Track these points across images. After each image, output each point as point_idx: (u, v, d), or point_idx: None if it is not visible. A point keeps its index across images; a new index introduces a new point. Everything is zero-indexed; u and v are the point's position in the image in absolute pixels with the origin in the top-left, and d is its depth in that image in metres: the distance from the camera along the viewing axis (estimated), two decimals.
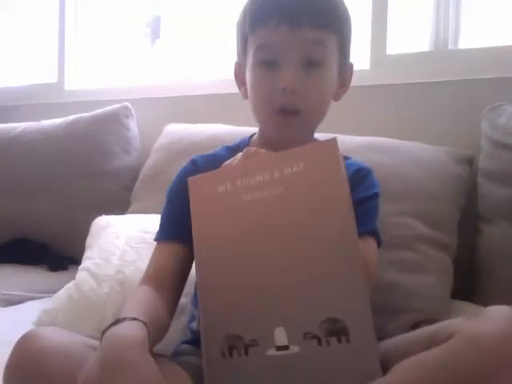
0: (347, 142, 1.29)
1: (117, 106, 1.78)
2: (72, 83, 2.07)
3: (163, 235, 0.91)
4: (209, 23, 1.89)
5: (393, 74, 1.46)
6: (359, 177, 0.91)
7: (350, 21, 0.93)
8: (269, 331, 0.70)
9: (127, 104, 1.78)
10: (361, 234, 0.70)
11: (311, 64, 0.87)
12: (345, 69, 0.95)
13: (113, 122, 1.75)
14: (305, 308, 0.70)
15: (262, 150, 0.79)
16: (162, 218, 0.94)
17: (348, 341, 0.65)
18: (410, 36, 1.54)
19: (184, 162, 0.98)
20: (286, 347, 0.69)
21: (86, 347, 0.68)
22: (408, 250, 1.13)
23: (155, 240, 0.92)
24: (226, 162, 0.81)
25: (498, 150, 1.22)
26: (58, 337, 0.68)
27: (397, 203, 1.16)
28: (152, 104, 1.82)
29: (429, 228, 1.16)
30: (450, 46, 1.47)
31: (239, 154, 0.80)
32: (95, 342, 0.78)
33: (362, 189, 0.89)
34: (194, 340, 0.92)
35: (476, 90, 1.35)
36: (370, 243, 0.86)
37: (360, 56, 1.48)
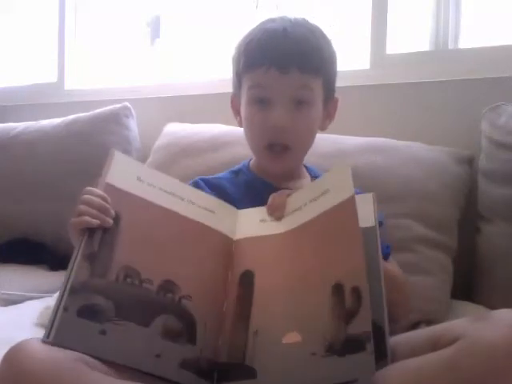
0: (347, 142, 1.29)
1: (117, 105, 1.77)
2: (72, 83, 2.07)
3: None
4: (209, 23, 1.89)
5: (393, 73, 1.46)
6: None
7: (335, 59, 0.99)
8: None
9: (127, 104, 1.77)
10: (385, 258, 0.84)
11: (300, 103, 0.94)
12: (330, 103, 1.01)
13: (113, 121, 1.75)
14: None
15: (287, 191, 0.86)
16: None
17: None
18: (410, 36, 1.54)
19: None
20: None
21: (77, 362, 0.64)
22: (408, 252, 1.13)
23: None
24: None
25: (497, 150, 1.22)
26: (47, 351, 0.64)
27: (396, 204, 1.16)
28: (152, 104, 1.82)
29: (428, 229, 1.16)
30: (450, 46, 1.46)
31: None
32: None
33: None
34: None
35: (476, 90, 1.35)
36: (393, 263, 0.95)
37: (360, 56, 1.48)
